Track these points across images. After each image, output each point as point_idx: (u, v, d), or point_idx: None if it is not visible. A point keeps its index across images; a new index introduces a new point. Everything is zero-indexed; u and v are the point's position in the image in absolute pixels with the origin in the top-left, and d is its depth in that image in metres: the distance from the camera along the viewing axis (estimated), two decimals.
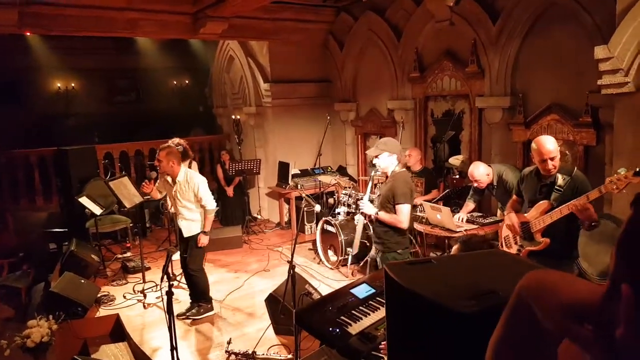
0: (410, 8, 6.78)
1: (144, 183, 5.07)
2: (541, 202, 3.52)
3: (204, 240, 5.02)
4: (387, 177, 4.18)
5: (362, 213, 4.33)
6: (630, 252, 0.59)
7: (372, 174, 4.57)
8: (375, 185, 5.31)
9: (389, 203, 4.04)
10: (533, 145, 3.55)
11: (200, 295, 5.24)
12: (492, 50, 5.72)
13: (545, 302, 0.65)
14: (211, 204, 5.04)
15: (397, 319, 1.32)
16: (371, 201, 4.29)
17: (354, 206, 6.37)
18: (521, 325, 0.69)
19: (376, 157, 4.10)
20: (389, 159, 4.06)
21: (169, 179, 5.01)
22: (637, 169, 2.99)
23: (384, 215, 4.06)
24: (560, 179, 3.42)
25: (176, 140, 5.82)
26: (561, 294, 0.64)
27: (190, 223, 5.04)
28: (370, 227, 4.34)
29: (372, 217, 4.16)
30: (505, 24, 5.55)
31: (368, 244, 6.01)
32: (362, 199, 4.55)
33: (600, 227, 4.06)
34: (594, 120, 4.72)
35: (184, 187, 4.96)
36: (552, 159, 3.43)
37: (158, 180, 5.15)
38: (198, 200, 4.98)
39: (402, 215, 3.99)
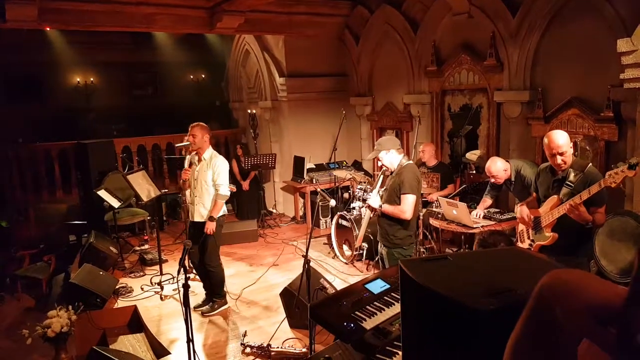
0: (428, 1, 6.70)
1: (184, 169, 5.08)
2: (552, 197, 3.50)
3: (210, 227, 4.90)
4: (392, 172, 4.19)
5: (367, 206, 4.34)
6: None
7: (381, 171, 4.57)
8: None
9: (396, 195, 4.06)
10: (544, 139, 3.52)
11: (214, 290, 5.23)
12: (512, 44, 5.63)
13: (569, 303, 0.63)
14: (225, 189, 4.94)
15: (412, 315, 1.31)
16: (381, 197, 4.31)
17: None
18: (542, 325, 0.68)
19: (378, 159, 4.19)
20: (388, 156, 4.13)
21: (195, 158, 5.04)
22: (632, 162, 2.99)
23: (387, 207, 4.09)
24: (572, 175, 3.39)
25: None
26: (586, 294, 0.62)
27: (207, 208, 4.99)
28: (377, 222, 4.33)
29: (377, 210, 4.17)
30: (525, 16, 5.45)
31: (372, 237, 6.01)
32: (370, 192, 4.56)
33: (621, 224, 4.02)
34: (616, 115, 4.61)
35: (205, 167, 4.97)
36: (561, 154, 3.39)
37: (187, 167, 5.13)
38: (214, 183, 4.93)
39: (406, 205, 3.99)
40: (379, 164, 4.25)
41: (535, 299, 0.68)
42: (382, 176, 4.46)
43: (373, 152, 4.25)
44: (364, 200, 4.85)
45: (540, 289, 0.68)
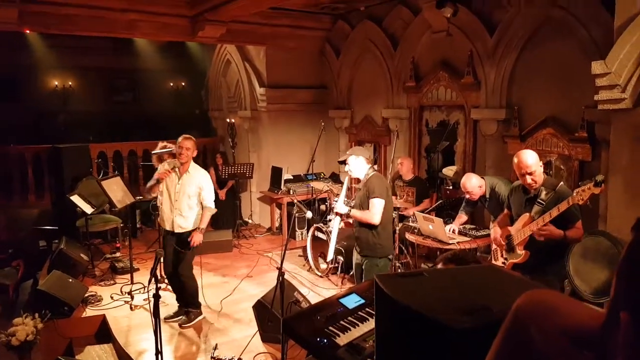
0: (408, 18, 6.80)
1: (166, 170, 4.94)
2: (523, 215, 3.54)
3: (197, 238, 4.86)
4: (359, 181, 4.24)
5: (336, 213, 4.36)
6: (629, 279, 0.57)
7: (347, 177, 4.61)
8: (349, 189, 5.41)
9: (367, 200, 4.09)
10: (514, 159, 3.57)
11: (189, 301, 5.15)
12: (489, 62, 5.73)
13: (545, 324, 0.63)
14: (211, 203, 5.02)
15: (386, 331, 1.29)
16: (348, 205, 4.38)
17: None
18: (518, 345, 0.67)
19: (346, 163, 4.24)
20: (356, 162, 4.19)
21: (176, 170, 4.97)
22: (598, 180, 3.05)
23: (355, 212, 4.14)
24: (543, 193, 3.44)
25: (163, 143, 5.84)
26: (562, 317, 0.62)
27: (187, 219, 4.96)
28: (355, 233, 4.34)
29: (344, 215, 4.23)
30: (502, 36, 5.56)
31: (343, 251, 6.00)
32: (337, 200, 4.61)
33: (594, 244, 4.08)
34: (590, 135, 4.70)
35: (191, 180, 4.93)
36: (530, 173, 3.44)
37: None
38: (200, 197, 4.96)
39: (374, 208, 4.03)
40: (346, 168, 4.29)
41: (512, 319, 0.68)
42: (346, 184, 4.52)
43: (344, 155, 4.33)
44: (332, 209, 4.91)
45: (517, 309, 0.68)
